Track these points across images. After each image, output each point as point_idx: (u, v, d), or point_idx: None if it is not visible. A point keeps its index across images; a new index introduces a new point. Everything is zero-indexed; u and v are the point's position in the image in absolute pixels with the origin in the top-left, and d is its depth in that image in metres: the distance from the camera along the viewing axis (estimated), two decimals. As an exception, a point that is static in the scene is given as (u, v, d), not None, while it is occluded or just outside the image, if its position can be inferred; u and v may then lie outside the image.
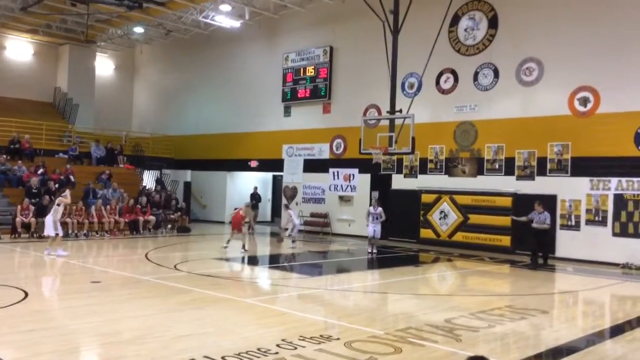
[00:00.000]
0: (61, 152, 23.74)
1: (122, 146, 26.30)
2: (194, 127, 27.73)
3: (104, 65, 30.95)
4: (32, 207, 18.01)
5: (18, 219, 17.64)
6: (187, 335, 7.04)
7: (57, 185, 20.02)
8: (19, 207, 17.91)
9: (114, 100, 30.74)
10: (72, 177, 21.32)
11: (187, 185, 27.37)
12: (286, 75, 24.02)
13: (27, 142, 22.56)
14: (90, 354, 6.67)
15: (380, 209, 15.99)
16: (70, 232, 18.24)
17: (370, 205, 16.78)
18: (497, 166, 18.08)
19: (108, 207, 19.75)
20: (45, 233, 14.40)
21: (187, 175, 27.50)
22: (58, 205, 14.25)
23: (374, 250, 16.06)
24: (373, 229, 15.88)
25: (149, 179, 26.84)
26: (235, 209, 17.57)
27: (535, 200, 15.02)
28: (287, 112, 24.33)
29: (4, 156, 20.90)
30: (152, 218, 20.54)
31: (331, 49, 22.56)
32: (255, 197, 23.70)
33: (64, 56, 28.73)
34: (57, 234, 14.10)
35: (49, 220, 14.15)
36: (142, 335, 6.99)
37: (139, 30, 27.01)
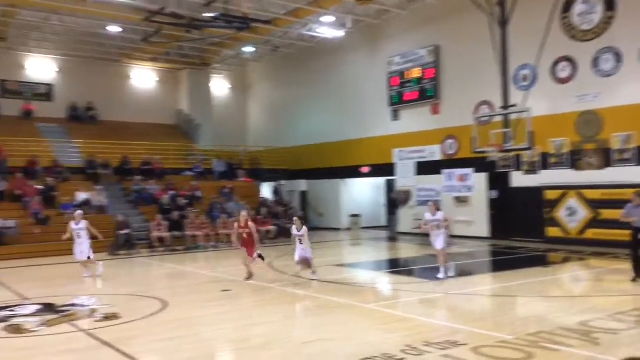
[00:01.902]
0: (187, 170, 25.37)
1: (240, 161, 27.60)
2: (306, 138, 28.41)
3: (220, 86, 32.69)
4: (164, 223, 19.42)
5: (153, 234, 19.12)
6: (313, 341, 7.25)
7: (185, 201, 21.46)
8: (153, 223, 19.41)
9: (230, 117, 32.33)
10: (198, 193, 22.74)
11: (304, 195, 28.11)
12: (392, 79, 23.96)
13: (157, 162, 24.39)
14: (225, 359, 7.08)
15: (304, 229, 12.07)
16: (199, 244, 19.49)
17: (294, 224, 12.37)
18: (627, 156, 16.75)
19: (232, 219, 20.80)
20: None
21: (303, 184, 28.25)
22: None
23: (312, 277, 11.99)
24: (299, 253, 12.05)
25: (267, 191, 27.92)
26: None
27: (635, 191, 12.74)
28: (394, 116, 24.23)
29: (138, 177, 22.76)
30: (272, 228, 21.33)
31: (437, 48, 22.17)
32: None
33: (183, 80, 30.74)
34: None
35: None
36: (271, 341, 7.30)
37: (249, 49, 28.24)
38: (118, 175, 23.22)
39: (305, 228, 12.12)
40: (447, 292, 10.83)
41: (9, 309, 9.43)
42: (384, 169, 24.61)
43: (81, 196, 20.61)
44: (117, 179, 23.04)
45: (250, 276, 12.20)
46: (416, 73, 22.96)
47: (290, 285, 11.62)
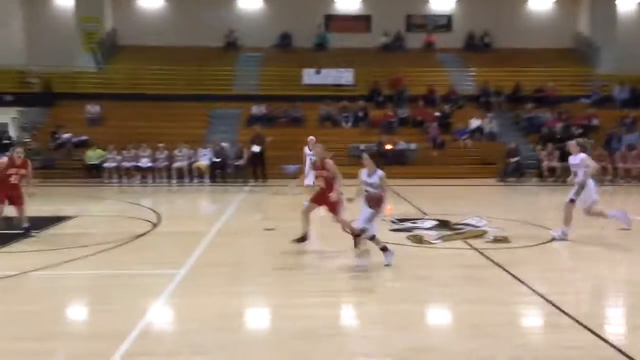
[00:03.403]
0: (583, 97, 23.59)
1: (649, 86, 24.09)
2: None
3: (627, 1, 28.64)
4: (556, 152, 18.71)
5: (544, 164, 18.69)
6: None
7: (580, 131, 20.15)
8: (544, 152, 18.92)
9: (638, 37, 28.23)
10: (594, 122, 21.05)
11: None
12: None
13: (551, 89, 23.38)
14: (617, 301, 6.59)
15: (380, 173, 7.50)
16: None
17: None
18: None
19: (634, 152, 18.64)
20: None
21: None
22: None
23: (362, 262, 7.72)
24: (365, 215, 7.47)
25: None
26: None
27: None
28: None
29: (530, 105, 22.32)
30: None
31: None
32: None
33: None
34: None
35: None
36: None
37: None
38: (510, 102, 23.24)
39: (380, 172, 7.52)
40: None
41: (412, 221, 10.72)
42: None
43: (474, 123, 21.48)
44: (508, 107, 23.12)
45: (303, 238, 8.38)
46: None
47: None
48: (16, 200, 9.50)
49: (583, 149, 9.37)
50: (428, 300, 6.32)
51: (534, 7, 28.84)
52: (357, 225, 7.47)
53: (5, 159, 9.75)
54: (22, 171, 9.52)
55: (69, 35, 25.87)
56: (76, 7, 26.64)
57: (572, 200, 9.19)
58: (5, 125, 23.15)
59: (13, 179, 9.44)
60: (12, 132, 22.90)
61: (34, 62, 24.29)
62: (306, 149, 12.96)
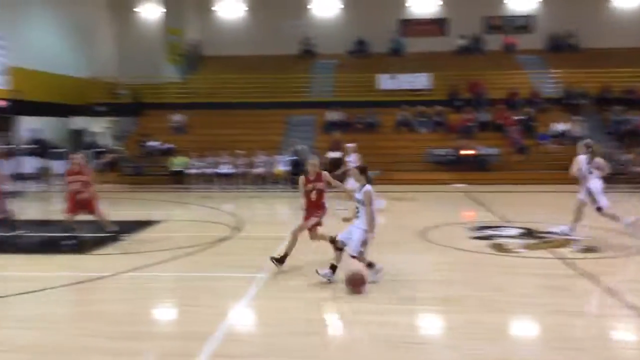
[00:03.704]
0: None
1: None
2: None
3: None
4: (648, 157, 17.68)
5: (634, 169, 17.69)
6: None
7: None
8: (634, 156, 17.94)
9: None
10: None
11: None
12: None
13: (641, 90, 22.10)
14: None
15: (366, 189, 6.82)
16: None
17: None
18: None
19: None
20: None
21: None
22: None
23: (328, 276, 6.99)
24: (354, 229, 6.96)
25: None
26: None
27: None
28: None
29: (619, 107, 21.16)
30: None
31: None
32: None
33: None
34: None
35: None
36: None
37: None
38: (597, 105, 22.15)
39: (367, 188, 6.85)
40: None
41: (493, 229, 10.42)
42: None
43: (558, 127, 20.62)
44: (595, 109, 22.04)
45: (282, 259, 7.62)
46: None
47: None
48: (87, 206, 9.60)
49: (588, 151, 9.19)
50: (511, 311, 6.13)
51: (620, 4, 27.34)
52: (351, 247, 6.89)
53: (66, 168, 9.83)
54: (82, 178, 9.55)
55: (156, 48, 27.13)
56: (163, 20, 27.92)
57: (598, 209, 9.18)
58: (98, 134, 24.61)
59: (75, 186, 9.49)
60: (106, 141, 24.30)
61: (124, 74, 25.66)
62: (346, 157, 13.89)
